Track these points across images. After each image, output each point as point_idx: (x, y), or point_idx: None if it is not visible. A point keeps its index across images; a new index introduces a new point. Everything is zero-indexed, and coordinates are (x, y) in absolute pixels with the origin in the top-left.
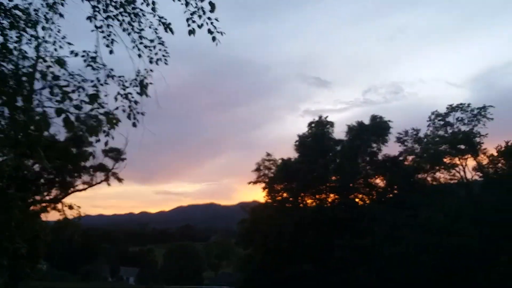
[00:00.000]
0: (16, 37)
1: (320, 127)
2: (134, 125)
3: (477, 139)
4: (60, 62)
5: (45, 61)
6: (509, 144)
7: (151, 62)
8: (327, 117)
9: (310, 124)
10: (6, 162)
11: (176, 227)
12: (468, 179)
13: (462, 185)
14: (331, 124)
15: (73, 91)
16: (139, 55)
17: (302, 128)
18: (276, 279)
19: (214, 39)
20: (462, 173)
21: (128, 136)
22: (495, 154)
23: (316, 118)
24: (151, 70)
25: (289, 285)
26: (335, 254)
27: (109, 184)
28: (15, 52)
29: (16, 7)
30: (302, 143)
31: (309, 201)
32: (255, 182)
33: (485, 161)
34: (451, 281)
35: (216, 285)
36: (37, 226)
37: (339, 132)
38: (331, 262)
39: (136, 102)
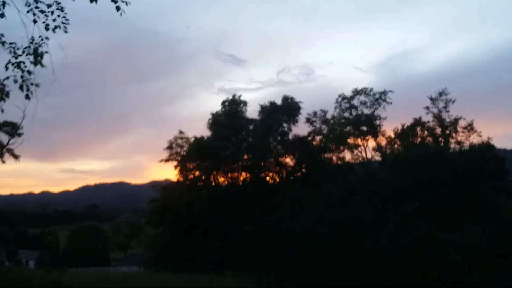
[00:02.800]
0: None
1: (234, 106)
2: (27, 97)
3: (378, 122)
4: None
5: None
6: (405, 127)
7: (47, 29)
8: (240, 95)
9: (223, 103)
10: None
11: (81, 207)
12: (369, 158)
13: (363, 164)
14: (245, 103)
15: None
16: (34, 21)
17: (216, 106)
18: (185, 256)
19: (118, 8)
20: (363, 153)
21: (26, 110)
22: (392, 136)
23: (230, 97)
24: (46, 38)
25: (198, 261)
26: (244, 229)
27: (3, 161)
28: None
29: None
30: (215, 121)
31: (221, 179)
32: (167, 160)
33: (383, 142)
34: (344, 249)
35: (125, 265)
36: None
37: (252, 111)
38: (240, 238)
39: (29, 72)
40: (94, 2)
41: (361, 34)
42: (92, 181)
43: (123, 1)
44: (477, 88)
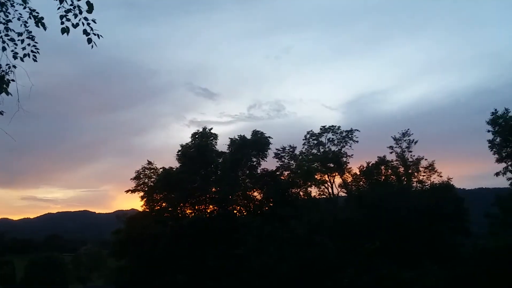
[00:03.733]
0: None
1: (204, 139)
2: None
3: (344, 159)
4: None
5: None
6: (370, 164)
7: (15, 57)
8: (211, 128)
9: (194, 135)
10: None
11: (42, 236)
12: (335, 194)
13: (329, 200)
14: (215, 136)
15: None
16: (3, 48)
17: (187, 137)
18: None
19: (89, 41)
20: (330, 189)
21: None
22: (358, 173)
23: (201, 129)
24: (14, 66)
25: None
26: (209, 264)
27: None
28: None
29: None
30: (185, 153)
31: (188, 211)
32: (133, 191)
33: (349, 179)
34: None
35: None
36: None
37: (222, 145)
38: (205, 272)
39: None
40: (66, 34)
41: (331, 74)
42: (55, 209)
43: (95, 34)
44: (438, 130)
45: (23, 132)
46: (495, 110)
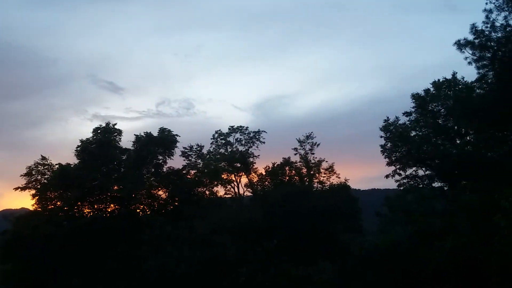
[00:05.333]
0: None
1: (107, 134)
2: None
3: (251, 159)
4: None
5: None
6: (275, 165)
7: None
8: (115, 124)
9: (96, 130)
10: None
11: None
12: (241, 194)
13: (235, 199)
14: (119, 132)
15: None
16: None
17: (89, 133)
18: None
19: None
20: (236, 188)
21: None
22: (264, 173)
23: (102, 124)
24: None
25: None
26: (107, 266)
27: None
28: None
29: None
30: (85, 149)
31: (86, 210)
32: (24, 188)
33: (255, 179)
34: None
35: None
36: None
37: (127, 141)
38: (102, 274)
39: None
40: None
41: (241, 76)
42: None
43: None
44: (338, 134)
45: None
46: (387, 118)
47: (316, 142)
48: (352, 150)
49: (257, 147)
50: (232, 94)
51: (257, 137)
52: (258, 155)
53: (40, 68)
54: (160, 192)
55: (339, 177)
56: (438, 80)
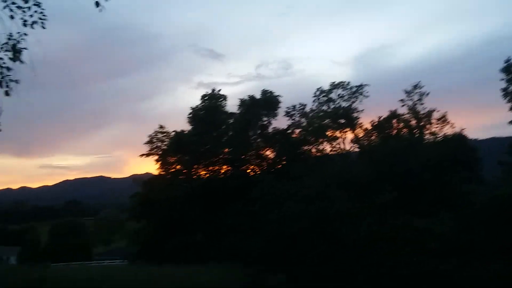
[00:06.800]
0: None
1: (213, 100)
2: (7, 93)
3: (355, 114)
4: None
5: None
6: (381, 119)
7: (25, 25)
8: (220, 90)
9: (203, 97)
10: None
11: (61, 202)
12: (347, 150)
13: (341, 156)
14: (224, 97)
15: None
16: (12, 17)
17: (195, 100)
18: (168, 249)
19: (97, 4)
20: (341, 145)
21: (1, 105)
22: (369, 128)
23: (209, 91)
24: (25, 34)
25: (181, 254)
26: (226, 221)
27: None
28: None
29: None
30: (195, 115)
31: (202, 172)
32: (147, 155)
33: (361, 134)
34: (325, 240)
35: (107, 260)
36: None
37: (231, 106)
38: (222, 229)
39: (8, 69)
40: None
41: (338, 29)
42: (71, 176)
43: None
44: (450, 81)
45: (34, 100)
46: (509, 57)
47: (425, 92)
48: (466, 98)
49: (360, 101)
50: (330, 49)
51: (360, 91)
52: (363, 110)
53: (147, 44)
54: (268, 153)
55: (453, 127)
56: None
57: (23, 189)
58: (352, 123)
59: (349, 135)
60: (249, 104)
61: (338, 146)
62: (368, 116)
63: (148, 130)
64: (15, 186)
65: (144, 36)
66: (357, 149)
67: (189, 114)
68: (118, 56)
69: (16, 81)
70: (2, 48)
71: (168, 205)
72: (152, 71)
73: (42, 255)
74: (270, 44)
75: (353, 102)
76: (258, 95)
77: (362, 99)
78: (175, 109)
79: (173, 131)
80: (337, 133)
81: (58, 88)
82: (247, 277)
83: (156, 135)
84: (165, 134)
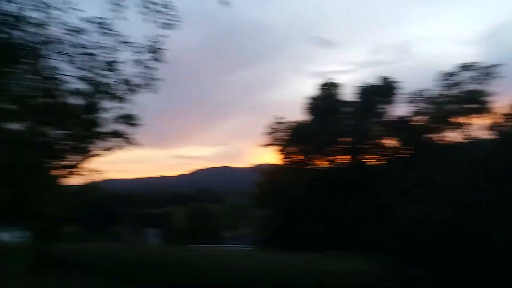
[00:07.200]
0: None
1: (330, 89)
2: (154, 91)
3: (488, 98)
4: (77, 30)
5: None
6: None
7: (163, 28)
8: (335, 78)
9: (319, 86)
10: (32, 129)
11: (192, 189)
12: (479, 137)
13: (473, 143)
14: (340, 85)
15: (89, 57)
16: (154, 21)
17: (309, 90)
18: (294, 237)
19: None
20: (472, 131)
21: (142, 102)
22: (507, 112)
23: (324, 80)
24: (165, 36)
25: (306, 242)
26: (350, 213)
27: (128, 149)
28: (31, 20)
29: None
30: (312, 105)
31: (322, 163)
32: (267, 145)
33: (497, 119)
34: (471, 235)
35: (238, 244)
36: (62, 190)
37: (347, 94)
38: (345, 221)
39: (152, 68)
40: None
41: (463, 2)
42: (202, 165)
43: None
44: None
45: (165, 96)
46: None
47: None
48: None
49: (494, 83)
50: (453, 28)
51: (492, 72)
52: (497, 93)
53: (260, 36)
54: (389, 141)
55: None
56: None
57: (163, 177)
58: (485, 108)
59: (481, 121)
60: (366, 92)
61: (468, 133)
62: (505, 99)
63: (263, 120)
64: (156, 174)
65: (258, 28)
66: (493, 136)
67: (306, 104)
68: (236, 49)
69: (162, 80)
70: (145, 50)
71: (290, 194)
72: (267, 62)
73: (178, 237)
74: (383, 28)
75: (485, 84)
76: (374, 82)
77: (497, 81)
78: (289, 99)
79: (292, 121)
80: (467, 119)
81: (184, 83)
82: (386, 267)
83: (274, 125)
84: (283, 124)
